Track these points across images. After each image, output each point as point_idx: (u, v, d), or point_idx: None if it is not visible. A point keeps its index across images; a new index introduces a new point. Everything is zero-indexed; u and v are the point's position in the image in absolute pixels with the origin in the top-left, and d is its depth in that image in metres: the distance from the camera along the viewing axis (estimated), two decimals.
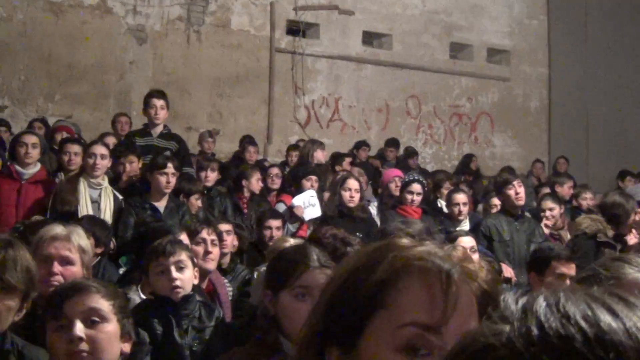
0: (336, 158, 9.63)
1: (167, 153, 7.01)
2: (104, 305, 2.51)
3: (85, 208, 6.16)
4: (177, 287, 3.83)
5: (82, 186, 6.25)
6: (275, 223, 6.53)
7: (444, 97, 14.23)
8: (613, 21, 14.85)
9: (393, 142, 12.54)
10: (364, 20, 13.62)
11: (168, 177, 6.37)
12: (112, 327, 2.50)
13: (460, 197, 7.56)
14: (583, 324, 0.67)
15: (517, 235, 6.90)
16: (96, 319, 2.47)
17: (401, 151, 12.64)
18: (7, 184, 6.52)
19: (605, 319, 0.68)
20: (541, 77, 14.99)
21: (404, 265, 1.14)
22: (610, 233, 6.26)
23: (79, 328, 2.42)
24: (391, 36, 13.88)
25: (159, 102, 7.46)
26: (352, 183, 6.84)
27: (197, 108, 12.28)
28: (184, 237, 4.72)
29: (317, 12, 13.28)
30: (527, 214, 7.77)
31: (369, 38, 13.83)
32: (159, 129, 7.53)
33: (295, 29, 13.18)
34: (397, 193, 7.70)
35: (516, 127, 14.72)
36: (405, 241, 1.20)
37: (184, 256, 3.92)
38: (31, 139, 6.73)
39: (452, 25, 14.35)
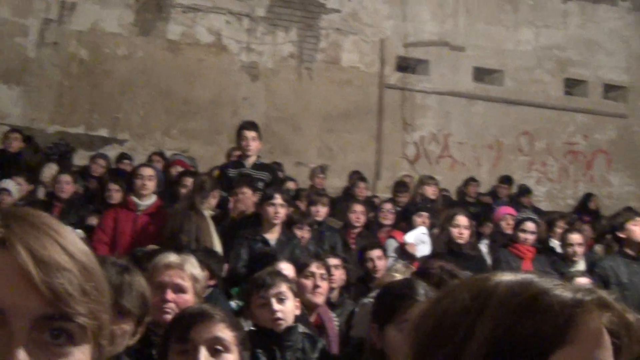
0: None
1: (260, 183, 7.10)
2: (228, 335, 2.54)
3: (216, 244, 6.28)
4: (279, 318, 3.83)
5: (210, 220, 6.40)
6: (375, 253, 6.49)
7: (558, 134, 13.85)
8: None
9: (506, 179, 12.27)
10: (475, 57, 13.49)
11: (276, 208, 6.41)
12: (233, 358, 2.52)
13: (575, 237, 7.27)
14: None
15: (636, 278, 6.54)
16: (220, 348, 2.50)
17: (514, 189, 12.37)
18: (124, 214, 6.76)
19: None
20: None
21: (579, 303, 1.11)
22: None
23: (204, 355, 2.45)
24: (503, 72, 13.68)
25: (250, 134, 7.52)
26: (462, 219, 6.70)
27: (307, 143, 12.44)
28: (287, 267, 4.74)
29: (427, 48, 13.26)
30: None
31: (480, 74, 13.68)
32: (251, 160, 7.56)
33: (404, 66, 13.20)
34: (509, 231, 7.51)
35: (635, 166, 14.14)
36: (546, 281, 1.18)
37: (284, 288, 3.92)
38: (148, 172, 6.97)
39: (567, 60, 14.03)
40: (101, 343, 1.07)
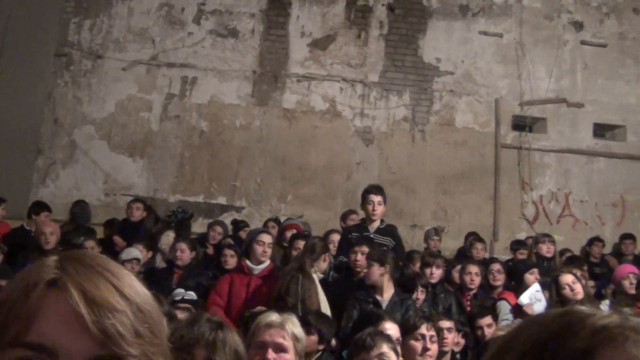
0: None
1: (384, 248, 7.08)
2: None
3: (324, 305, 6.33)
4: None
5: (317, 283, 6.47)
6: (484, 321, 6.32)
7: None
8: None
9: (629, 236, 11.74)
10: (594, 112, 13.14)
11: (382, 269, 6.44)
12: None
13: None
14: None
15: None
16: None
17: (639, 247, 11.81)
18: (239, 278, 6.92)
19: None
20: None
21: (604, 334, 1.07)
22: None
23: None
24: (625, 127, 13.23)
25: (376, 198, 7.56)
26: (567, 277, 6.45)
27: (421, 205, 12.38)
28: (392, 327, 4.69)
29: (544, 106, 13.04)
30: None
31: (601, 130, 13.28)
32: (376, 224, 7.60)
33: (521, 124, 13.00)
34: (632, 291, 7.16)
35: None
36: (591, 309, 1.14)
37: (385, 348, 3.86)
38: (267, 239, 7.13)
39: None
40: None
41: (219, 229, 9.96)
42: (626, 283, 7.50)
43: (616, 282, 7.97)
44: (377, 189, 7.71)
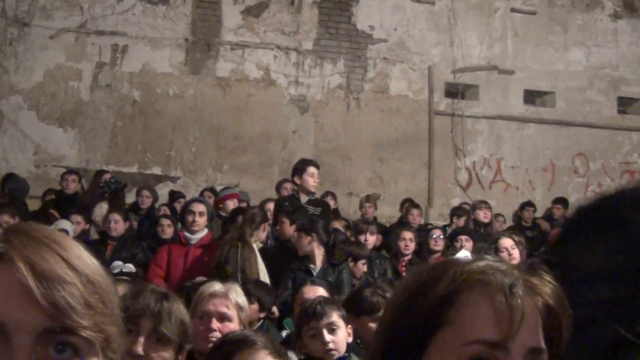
0: None
1: (313, 217, 7.13)
2: None
3: (263, 274, 6.34)
4: (331, 349, 3.78)
5: (257, 253, 6.47)
6: None
7: (614, 154, 13.58)
8: None
9: (560, 201, 12.06)
10: (525, 79, 13.38)
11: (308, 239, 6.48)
12: None
13: None
14: None
15: None
16: None
17: (569, 211, 12.13)
18: (176, 249, 6.88)
19: None
20: None
21: (466, 280, 1.12)
22: None
23: None
24: (554, 94, 13.52)
25: (317, 171, 7.64)
26: (506, 242, 6.61)
27: (357, 173, 12.46)
28: (318, 290, 4.70)
29: (476, 73, 13.21)
30: None
31: (531, 96, 13.54)
32: (306, 196, 7.66)
33: (454, 91, 13.15)
34: None
35: None
36: (464, 259, 1.17)
37: (335, 317, 3.84)
38: (199, 208, 7.08)
39: (619, 79, 13.79)
40: (110, 356, 1.07)
41: (146, 192, 9.92)
42: None
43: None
44: (315, 163, 7.77)
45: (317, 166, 7.73)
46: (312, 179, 7.59)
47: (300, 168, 7.69)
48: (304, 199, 7.64)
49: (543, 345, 1.12)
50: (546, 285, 1.15)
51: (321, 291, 4.77)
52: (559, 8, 13.76)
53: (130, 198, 10.58)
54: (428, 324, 1.11)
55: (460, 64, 13.15)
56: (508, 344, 1.07)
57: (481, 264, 1.15)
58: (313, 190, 7.67)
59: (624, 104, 13.90)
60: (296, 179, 7.70)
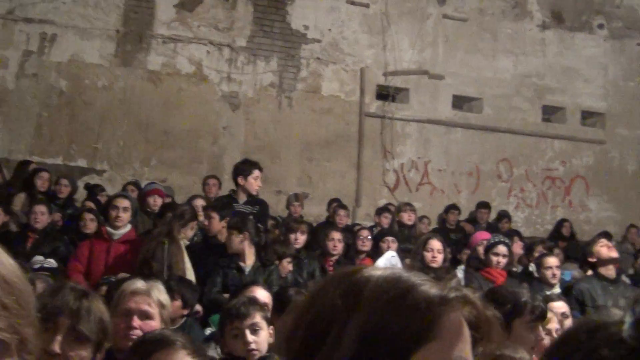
0: None
1: (246, 216, 7.14)
2: None
3: (189, 272, 6.30)
4: (253, 349, 3.81)
5: (184, 250, 6.43)
6: None
7: (537, 161, 13.96)
8: None
9: (484, 205, 12.35)
10: (454, 85, 13.62)
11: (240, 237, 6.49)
12: None
13: (552, 261, 7.30)
14: None
15: (612, 300, 6.56)
16: None
17: (493, 215, 12.44)
18: (98, 244, 6.79)
19: None
20: (638, 139, 14.53)
21: (445, 301, 1.17)
22: None
23: None
24: (482, 100, 13.81)
25: (260, 174, 7.66)
26: (435, 243, 6.75)
27: (287, 172, 12.48)
28: (263, 294, 4.73)
29: (407, 77, 13.38)
30: (626, 279, 7.45)
31: (459, 102, 13.80)
32: (245, 196, 7.66)
33: (384, 94, 13.30)
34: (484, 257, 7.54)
35: (612, 191, 14.25)
36: (421, 277, 1.22)
37: (258, 318, 3.87)
38: (122, 203, 7.00)
39: (545, 88, 14.17)
40: (26, 358, 1.07)
41: (64, 181, 9.70)
42: (480, 249, 7.87)
43: (471, 248, 8.37)
44: (260, 165, 7.79)
45: (261, 169, 7.76)
46: (256, 182, 7.62)
47: (245, 170, 7.67)
48: (242, 198, 7.64)
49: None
50: (475, 295, 1.22)
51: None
52: (490, 16, 14.06)
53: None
54: (417, 338, 1.15)
55: (391, 67, 13.30)
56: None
57: (441, 285, 1.22)
58: (255, 193, 7.70)
59: (548, 112, 14.30)
60: (240, 180, 7.67)
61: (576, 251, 9.90)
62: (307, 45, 13.00)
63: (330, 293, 1.21)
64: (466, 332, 1.17)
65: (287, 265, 7.16)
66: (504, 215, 12.27)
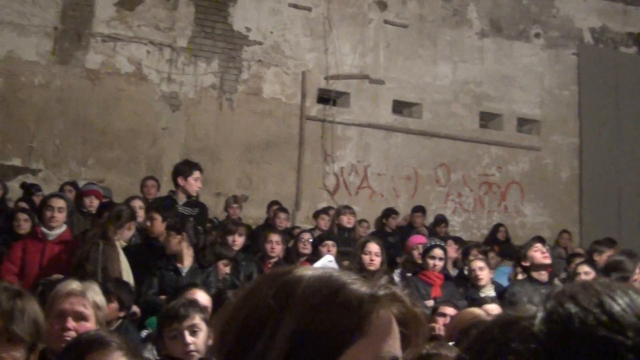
0: None
1: (185, 217, 7.11)
2: None
3: (126, 273, 6.23)
4: (191, 351, 3.80)
5: (120, 251, 6.35)
6: None
7: (474, 166, 14.21)
8: None
9: (420, 209, 12.51)
10: (394, 90, 13.77)
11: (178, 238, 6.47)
12: None
13: (478, 264, 7.45)
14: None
15: None
16: None
17: (430, 219, 12.61)
18: (33, 245, 6.66)
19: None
20: (572, 147, 14.91)
21: (374, 299, 1.21)
22: None
23: None
24: (421, 105, 13.99)
25: (200, 175, 7.63)
26: (373, 246, 6.82)
27: (227, 174, 12.43)
28: (202, 296, 4.71)
29: (348, 81, 13.47)
30: (558, 283, 7.62)
31: (399, 107, 13.95)
32: (185, 197, 7.62)
33: (325, 98, 13.36)
34: (420, 260, 7.64)
35: (547, 197, 14.60)
36: (351, 275, 1.26)
37: (197, 319, 3.87)
38: (58, 203, 6.89)
39: (482, 95, 14.43)
40: None
41: None
42: (415, 253, 7.99)
43: (407, 251, 8.48)
44: (201, 166, 7.77)
45: (202, 170, 7.73)
46: (196, 183, 7.59)
47: (186, 170, 7.63)
48: (181, 199, 7.59)
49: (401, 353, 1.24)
50: (404, 292, 1.26)
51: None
52: (430, 23, 14.25)
53: None
54: (349, 335, 1.17)
55: (333, 71, 13.37)
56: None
57: (370, 283, 1.25)
58: (195, 194, 7.66)
59: (486, 119, 14.57)
60: (180, 180, 7.61)
61: (511, 253, 10.12)
62: (249, 47, 12.97)
63: (263, 293, 1.23)
64: (395, 329, 1.21)
65: (223, 267, 7.15)
66: (441, 220, 12.44)
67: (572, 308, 0.71)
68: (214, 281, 6.70)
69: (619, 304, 0.70)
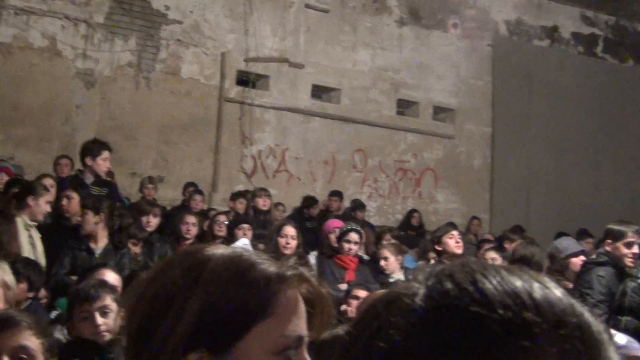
0: None
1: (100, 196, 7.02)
2: (34, 343, 2.43)
3: (25, 250, 6.09)
4: (102, 332, 3.78)
5: (21, 227, 6.19)
6: None
7: (390, 152, 14.42)
8: (556, 82, 15.37)
9: (336, 193, 12.62)
10: (314, 74, 13.81)
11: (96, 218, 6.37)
12: None
13: (383, 253, 7.57)
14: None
15: None
16: (24, 356, 2.41)
17: (347, 203, 12.75)
18: None
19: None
20: (485, 136, 15.31)
21: (281, 279, 1.25)
22: None
23: None
24: (340, 90, 14.08)
25: (109, 155, 7.51)
26: (289, 230, 6.86)
27: (142, 154, 12.25)
28: (113, 277, 4.67)
29: (268, 64, 13.44)
30: None
31: (318, 91, 14.01)
32: (92, 177, 7.51)
33: (245, 80, 13.30)
34: (335, 244, 7.72)
35: (459, 184, 14.95)
36: (262, 256, 1.30)
37: (108, 300, 3.84)
38: None
39: (400, 82, 14.63)
40: None
41: None
42: (332, 237, 8.06)
43: (324, 235, 8.55)
44: (109, 146, 7.65)
45: (111, 150, 7.60)
46: (105, 163, 7.48)
47: (94, 150, 7.50)
48: (89, 179, 7.46)
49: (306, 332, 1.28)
50: (310, 275, 1.30)
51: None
52: (350, 9, 14.34)
53: None
54: (251, 316, 1.21)
55: (253, 54, 13.32)
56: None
57: (279, 264, 1.29)
58: (103, 175, 7.53)
59: (403, 106, 14.79)
60: (87, 160, 7.48)
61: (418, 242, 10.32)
62: (168, 26, 12.78)
63: (172, 271, 1.26)
64: (302, 308, 1.25)
65: (135, 248, 7.08)
66: (360, 205, 12.59)
67: (449, 285, 0.76)
68: (128, 262, 6.63)
69: (490, 282, 0.75)
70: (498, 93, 15.35)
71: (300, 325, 1.24)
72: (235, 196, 10.89)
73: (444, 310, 0.74)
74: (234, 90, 13.16)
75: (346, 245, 7.25)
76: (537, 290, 0.75)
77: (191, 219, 8.07)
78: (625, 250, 5.90)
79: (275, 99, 13.45)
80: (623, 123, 15.86)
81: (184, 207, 10.28)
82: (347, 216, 11.46)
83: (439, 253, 7.22)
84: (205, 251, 1.29)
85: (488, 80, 15.44)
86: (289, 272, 1.26)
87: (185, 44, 12.88)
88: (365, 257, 8.43)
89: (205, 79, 12.96)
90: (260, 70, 13.39)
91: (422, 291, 0.77)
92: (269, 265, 1.26)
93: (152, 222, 7.87)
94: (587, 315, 0.76)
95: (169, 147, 12.52)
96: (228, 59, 13.10)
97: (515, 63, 15.32)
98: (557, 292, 0.77)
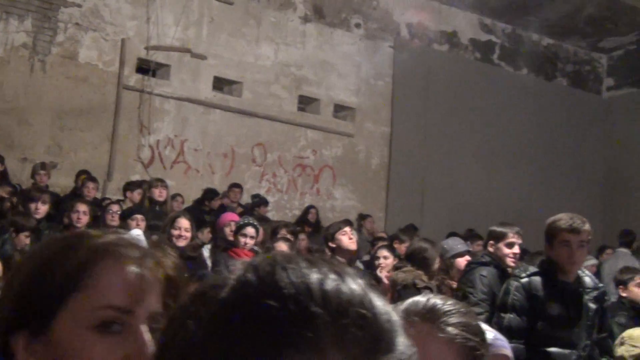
0: None
1: None
2: None
3: None
4: None
5: None
6: None
7: (290, 148, 14.47)
8: (453, 86, 15.79)
9: (235, 186, 12.58)
10: (216, 66, 13.71)
11: None
12: None
13: (280, 245, 7.64)
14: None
15: None
16: None
17: (245, 198, 12.72)
18: None
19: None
20: (383, 135, 15.56)
21: (101, 250, 1.24)
22: (425, 278, 6.50)
23: None
24: (242, 84, 14.03)
25: None
26: (183, 222, 6.81)
27: (35, 139, 11.87)
28: None
29: (169, 53, 13.26)
30: (360, 264, 7.94)
31: (220, 84, 13.92)
32: None
33: (145, 68, 13.07)
34: (231, 237, 7.72)
35: (357, 182, 15.15)
36: (97, 231, 1.30)
37: None
38: None
39: (302, 78, 14.70)
40: None
41: None
42: (227, 230, 8.06)
43: (219, 228, 8.54)
44: None
45: None
46: None
47: None
48: None
49: (161, 310, 1.26)
50: (168, 259, 1.30)
51: None
52: (255, 3, 14.31)
53: None
54: (61, 290, 1.19)
55: (154, 42, 13.10)
56: (135, 309, 1.21)
57: (113, 237, 1.28)
58: None
59: (304, 102, 14.87)
60: None
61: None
62: (67, 8, 12.42)
63: (39, 254, 1.26)
64: (129, 280, 1.23)
65: (24, 238, 6.87)
66: (263, 201, 12.62)
67: (251, 277, 0.77)
68: (10, 249, 6.43)
69: (288, 276, 0.76)
70: (397, 94, 15.63)
71: (121, 297, 1.21)
72: (129, 186, 10.70)
73: (241, 303, 0.75)
74: (133, 78, 12.91)
75: (242, 239, 7.25)
76: (330, 282, 0.76)
77: (82, 207, 7.89)
78: (506, 251, 6.12)
79: (176, 89, 13.28)
80: (515, 127, 16.44)
81: (76, 195, 10.03)
82: (248, 212, 11.45)
83: (332, 250, 7.29)
84: (82, 233, 1.29)
85: (388, 81, 15.70)
86: (111, 242, 1.26)
87: (84, 28, 12.56)
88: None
89: (104, 65, 12.66)
90: (162, 59, 13.19)
91: (230, 282, 0.79)
92: (98, 239, 1.26)
93: (41, 209, 7.68)
94: (379, 305, 0.77)
95: (64, 133, 12.17)
96: (128, 45, 12.84)
97: (415, 66, 15.62)
98: (352, 284, 0.78)
